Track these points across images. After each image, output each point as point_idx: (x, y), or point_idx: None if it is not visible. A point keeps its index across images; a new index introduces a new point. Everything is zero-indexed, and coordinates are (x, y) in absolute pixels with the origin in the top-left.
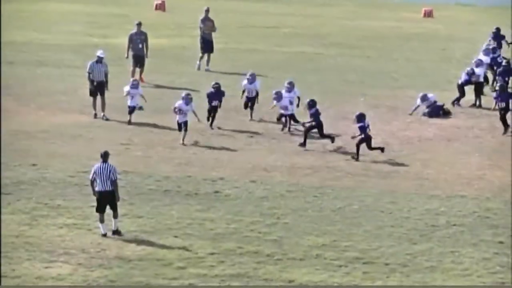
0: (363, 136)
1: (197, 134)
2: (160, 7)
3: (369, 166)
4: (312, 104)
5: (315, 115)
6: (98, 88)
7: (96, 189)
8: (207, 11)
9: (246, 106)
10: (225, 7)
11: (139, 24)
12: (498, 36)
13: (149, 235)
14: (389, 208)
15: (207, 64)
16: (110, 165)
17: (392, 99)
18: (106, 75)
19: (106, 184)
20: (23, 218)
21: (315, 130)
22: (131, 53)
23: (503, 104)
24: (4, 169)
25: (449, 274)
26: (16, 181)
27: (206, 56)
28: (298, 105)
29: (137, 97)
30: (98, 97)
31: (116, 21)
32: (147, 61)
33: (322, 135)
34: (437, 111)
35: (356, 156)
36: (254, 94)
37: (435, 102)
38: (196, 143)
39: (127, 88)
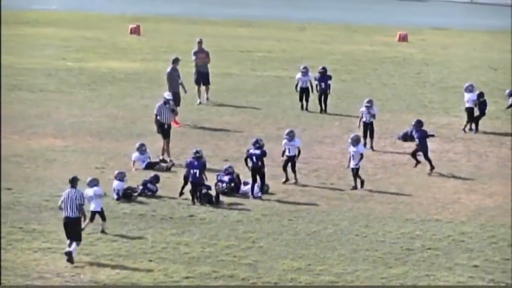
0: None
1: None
2: (135, 31)
3: (344, 190)
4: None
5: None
6: (167, 130)
7: (63, 215)
8: (200, 42)
9: None
10: (199, 32)
11: (177, 60)
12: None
13: (123, 259)
14: (364, 232)
15: (207, 93)
16: (77, 191)
17: None
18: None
19: (72, 211)
20: None
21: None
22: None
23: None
24: None
25: None
26: None
27: (203, 88)
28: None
29: None
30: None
31: (90, 45)
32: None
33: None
34: (411, 135)
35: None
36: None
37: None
38: (170, 167)
39: None
